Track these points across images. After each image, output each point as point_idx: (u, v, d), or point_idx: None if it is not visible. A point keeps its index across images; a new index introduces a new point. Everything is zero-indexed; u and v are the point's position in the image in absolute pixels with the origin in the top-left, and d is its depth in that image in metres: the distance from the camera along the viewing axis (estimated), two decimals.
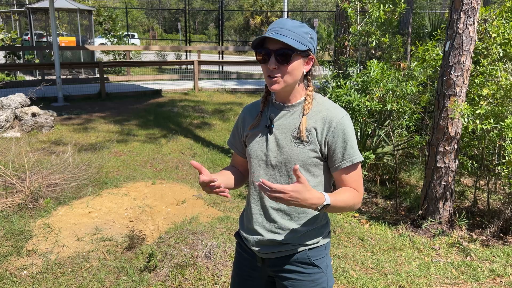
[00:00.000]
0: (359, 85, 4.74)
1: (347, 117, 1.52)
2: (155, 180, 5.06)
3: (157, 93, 11.61)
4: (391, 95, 4.61)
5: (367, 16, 5.25)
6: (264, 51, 1.45)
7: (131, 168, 5.59)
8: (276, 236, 1.56)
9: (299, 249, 1.56)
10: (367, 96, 4.57)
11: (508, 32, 4.27)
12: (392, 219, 4.48)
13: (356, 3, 5.36)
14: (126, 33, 19.72)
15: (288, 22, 1.44)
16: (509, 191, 4.10)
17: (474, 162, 4.41)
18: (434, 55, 5.00)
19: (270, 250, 1.57)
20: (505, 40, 4.28)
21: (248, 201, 1.66)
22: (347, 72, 5.40)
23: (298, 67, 1.47)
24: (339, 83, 4.74)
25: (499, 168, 4.05)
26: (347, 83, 4.71)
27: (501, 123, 3.72)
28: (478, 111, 3.70)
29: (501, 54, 4.30)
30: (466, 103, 3.90)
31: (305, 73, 1.52)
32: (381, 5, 5.04)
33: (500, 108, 3.83)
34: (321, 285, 1.58)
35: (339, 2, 5.56)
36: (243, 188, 4.95)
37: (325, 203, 1.36)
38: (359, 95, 4.51)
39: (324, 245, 1.61)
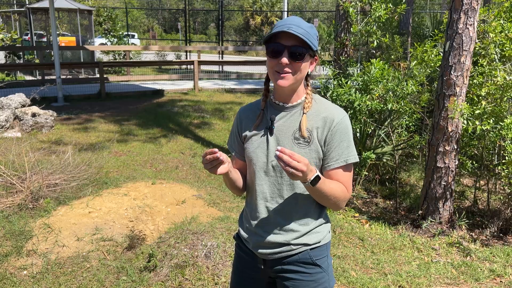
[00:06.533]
0: (360, 84, 4.74)
1: (347, 117, 1.53)
2: (155, 180, 5.06)
3: (157, 93, 11.61)
4: (391, 95, 4.61)
5: (368, 16, 5.24)
6: (277, 45, 1.43)
7: (131, 168, 5.59)
8: (277, 237, 1.55)
9: (301, 249, 1.55)
10: (368, 95, 4.57)
11: (506, 32, 4.27)
12: (392, 219, 4.48)
13: (357, 3, 5.35)
14: (126, 33, 19.71)
15: (301, 21, 1.44)
16: (509, 191, 4.10)
17: (474, 162, 4.41)
18: (432, 55, 5.00)
19: (271, 251, 1.56)
20: (503, 41, 4.28)
21: (248, 203, 1.65)
22: (347, 72, 5.40)
23: (307, 66, 1.48)
24: (340, 82, 4.73)
25: (499, 168, 4.05)
26: (348, 82, 4.70)
27: (501, 123, 3.72)
28: (477, 111, 3.70)
29: (498, 55, 4.30)
30: (466, 103, 3.90)
31: (308, 73, 1.53)
32: (383, 5, 5.04)
33: (499, 108, 3.83)
34: (323, 284, 1.58)
35: (340, 2, 5.55)
36: None
37: (316, 173, 1.36)
38: (360, 95, 4.51)
39: (325, 245, 1.60)
